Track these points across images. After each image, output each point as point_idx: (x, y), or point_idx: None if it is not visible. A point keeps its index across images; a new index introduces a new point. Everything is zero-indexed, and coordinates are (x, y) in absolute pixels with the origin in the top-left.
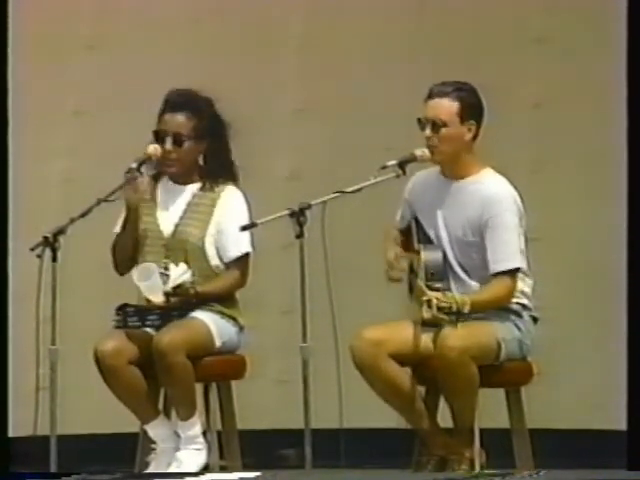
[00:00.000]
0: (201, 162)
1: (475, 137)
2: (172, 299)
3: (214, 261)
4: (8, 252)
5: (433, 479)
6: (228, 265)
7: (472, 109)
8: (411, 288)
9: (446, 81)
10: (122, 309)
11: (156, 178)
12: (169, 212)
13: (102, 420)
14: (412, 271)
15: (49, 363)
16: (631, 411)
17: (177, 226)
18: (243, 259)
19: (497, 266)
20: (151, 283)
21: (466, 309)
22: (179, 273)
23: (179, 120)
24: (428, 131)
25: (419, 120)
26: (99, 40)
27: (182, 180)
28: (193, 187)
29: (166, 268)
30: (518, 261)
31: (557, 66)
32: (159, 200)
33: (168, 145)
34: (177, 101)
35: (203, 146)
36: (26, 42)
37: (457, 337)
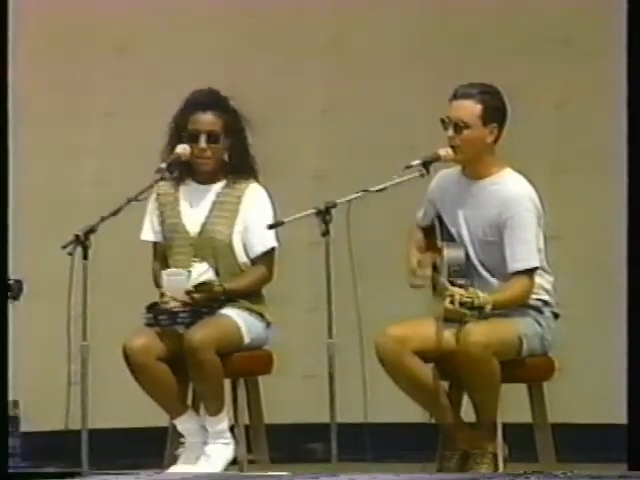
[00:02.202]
0: (226, 159)
1: (497, 139)
2: (195, 296)
3: (241, 257)
4: (8, 252)
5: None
6: (254, 261)
7: (495, 112)
8: (435, 285)
9: (472, 83)
10: (152, 307)
11: (180, 179)
12: (195, 212)
13: (132, 414)
14: (435, 269)
15: (80, 359)
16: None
17: (204, 225)
18: (269, 254)
19: (516, 265)
20: (173, 282)
21: (488, 308)
22: (200, 272)
23: (211, 118)
24: (451, 131)
25: (442, 120)
26: (129, 42)
27: (206, 179)
28: (217, 186)
29: (190, 267)
30: (536, 260)
31: (579, 67)
32: (183, 201)
33: (202, 143)
34: (204, 101)
35: (229, 143)
36: (59, 44)
37: (479, 333)
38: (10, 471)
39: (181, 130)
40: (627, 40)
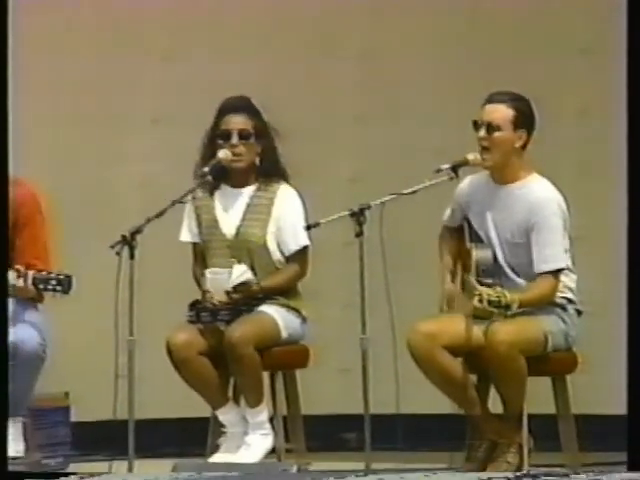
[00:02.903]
0: (257, 162)
1: (525, 145)
2: (234, 296)
3: (276, 256)
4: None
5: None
6: (288, 259)
7: (525, 119)
8: (464, 284)
9: (504, 90)
10: (195, 305)
11: (215, 184)
12: (229, 215)
13: (176, 406)
14: (464, 269)
15: (127, 353)
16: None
17: (239, 227)
18: (302, 252)
19: (543, 266)
20: (215, 280)
21: (515, 306)
22: (238, 273)
23: (242, 119)
24: (482, 132)
25: (475, 122)
26: (174, 52)
27: (239, 183)
28: (249, 189)
29: (229, 267)
30: (562, 261)
31: (600, 75)
32: (218, 205)
33: (234, 140)
34: (236, 104)
35: (260, 146)
36: (108, 54)
37: (506, 332)
38: (10, 470)
39: (215, 133)
40: (627, 42)
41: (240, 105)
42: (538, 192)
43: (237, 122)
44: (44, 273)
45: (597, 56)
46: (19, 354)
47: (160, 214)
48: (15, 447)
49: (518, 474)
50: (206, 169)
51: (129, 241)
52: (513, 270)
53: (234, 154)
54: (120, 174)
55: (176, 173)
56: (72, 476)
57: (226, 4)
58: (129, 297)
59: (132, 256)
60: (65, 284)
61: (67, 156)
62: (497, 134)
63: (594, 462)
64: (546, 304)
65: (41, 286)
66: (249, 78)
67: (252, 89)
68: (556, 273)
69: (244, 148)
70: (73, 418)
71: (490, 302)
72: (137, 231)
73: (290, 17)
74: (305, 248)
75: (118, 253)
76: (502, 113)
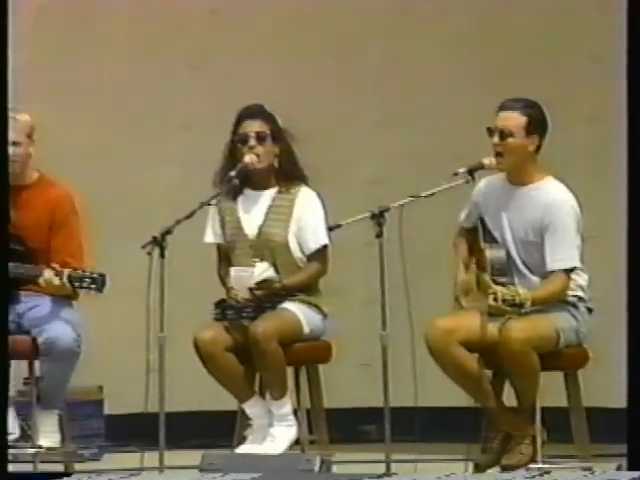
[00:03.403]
0: (276, 165)
1: (538, 149)
2: (257, 293)
3: (297, 255)
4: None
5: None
6: (309, 257)
7: (537, 124)
8: (478, 283)
9: (517, 97)
10: (220, 303)
11: (239, 189)
12: (252, 216)
13: (204, 399)
14: (479, 268)
15: (158, 348)
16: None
17: (261, 228)
18: (322, 251)
19: (556, 264)
20: (239, 278)
21: (528, 304)
22: (260, 271)
23: (258, 123)
24: (496, 139)
25: (489, 129)
26: (204, 60)
27: (260, 186)
28: (270, 192)
29: (252, 266)
30: (575, 260)
31: (610, 82)
32: (241, 207)
33: (252, 142)
34: (252, 110)
35: (277, 149)
36: (141, 62)
37: (520, 329)
38: (10, 471)
39: (235, 138)
40: (627, 48)
41: (255, 111)
42: (552, 194)
43: (254, 126)
44: (79, 271)
45: (607, 64)
46: (55, 350)
47: (189, 216)
48: (51, 438)
49: (530, 474)
50: (233, 173)
51: (160, 242)
52: (527, 268)
53: (253, 155)
54: (151, 178)
55: (204, 177)
56: (72, 476)
57: (252, 14)
58: (160, 295)
59: (162, 256)
60: (99, 282)
61: (102, 159)
62: (510, 140)
63: (604, 453)
64: (558, 302)
65: (76, 284)
66: (275, 84)
67: (277, 95)
68: (568, 272)
69: (262, 149)
70: (106, 411)
71: (504, 301)
72: (167, 232)
73: (313, 26)
74: (325, 247)
75: (149, 253)
76: (515, 120)
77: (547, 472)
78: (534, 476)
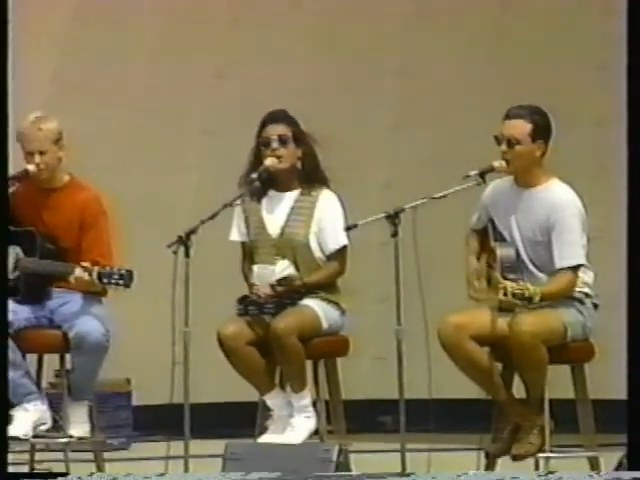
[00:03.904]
0: (299, 167)
1: (544, 153)
2: (278, 289)
3: (317, 254)
4: (8, 253)
5: None
6: (329, 257)
7: (542, 131)
8: (489, 280)
9: (522, 104)
10: (243, 300)
11: (262, 189)
12: (275, 216)
13: (227, 391)
14: (490, 266)
15: (183, 342)
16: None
17: (283, 228)
18: (342, 251)
19: (563, 262)
20: (262, 274)
21: (537, 299)
22: (281, 269)
23: (281, 127)
24: (504, 147)
25: (496, 137)
26: (225, 69)
27: (284, 187)
28: (293, 193)
29: (273, 264)
30: (581, 258)
31: (614, 90)
32: (265, 207)
33: (275, 145)
34: (276, 115)
35: (300, 152)
36: (167, 71)
37: (528, 323)
38: (10, 471)
39: (259, 142)
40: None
41: (278, 116)
42: (558, 195)
43: (276, 129)
44: (108, 269)
45: (611, 72)
46: (85, 344)
47: (212, 216)
48: (82, 429)
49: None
50: (254, 175)
51: (184, 241)
52: (535, 266)
53: (275, 157)
54: (177, 181)
55: (226, 180)
56: (72, 476)
57: (271, 23)
58: (184, 292)
59: (187, 255)
60: (127, 278)
61: (130, 164)
62: (518, 147)
63: (609, 443)
64: (565, 297)
65: (105, 280)
66: (293, 91)
67: (296, 101)
68: (575, 269)
69: (284, 151)
70: (134, 402)
71: (514, 295)
72: (192, 232)
73: (331, 34)
74: (344, 248)
75: (175, 252)
76: (521, 128)
77: (552, 472)
78: (541, 476)
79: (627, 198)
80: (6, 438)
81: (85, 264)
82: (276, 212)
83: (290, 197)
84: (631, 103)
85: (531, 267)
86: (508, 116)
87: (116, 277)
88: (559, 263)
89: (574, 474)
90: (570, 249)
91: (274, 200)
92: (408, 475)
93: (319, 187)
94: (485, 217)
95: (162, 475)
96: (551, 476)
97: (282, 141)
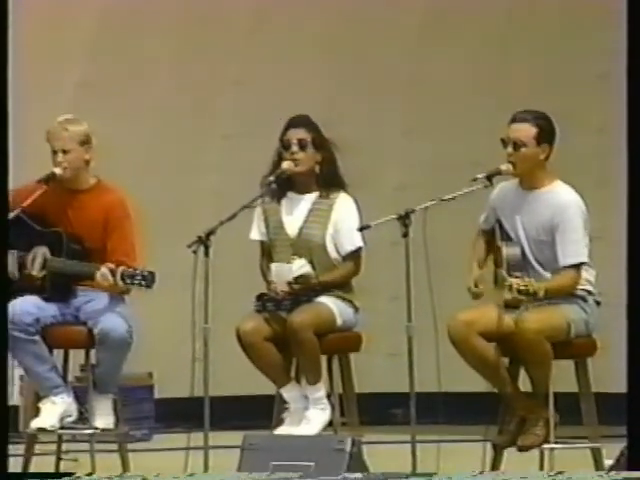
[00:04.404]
0: (317, 170)
1: (548, 157)
2: (295, 286)
3: (333, 254)
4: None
5: None
6: (344, 258)
7: (547, 134)
8: (496, 278)
9: (527, 109)
10: (261, 297)
11: (281, 191)
12: (293, 217)
13: (245, 384)
14: (496, 264)
15: (202, 338)
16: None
17: (301, 229)
18: (357, 252)
19: (566, 260)
20: (279, 272)
21: (541, 293)
22: (298, 267)
23: (301, 131)
24: (510, 149)
25: (502, 140)
26: (245, 76)
27: (303, 190)
28: (312, 196)
29: (290, 263)
30: (584, 256)
31: (617, 98)
32: (284, 208)
33: (294, 149)
34: (297, 120)
35: (319, 156)
36: (187, 79)
37: (534, 320)
38: (10, 471)
39: (280, 145)
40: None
41: (300, 121)
42: (562, 196)
43: (296, 133)
44: (131, 269)
45: (613, 81)
46: (109, 340)
47: (231, 217)
48: (106, 420)
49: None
50: (271, 178)
51: (204, 241)
52: (539, 264)
53: (293, 160)
54: (197, 183)
55: (244, 182)
56: (72, 476)
57: (289, 32)
58: (204, 290)
59: (207, 254)
60: (149, 279)
61: (153, 167)
62: (523, 150)
63: (611, 435)
64: (569, 294)
65: (128, 281)
66: (309, 98)
67: (312, 108)
68: (578, 266)
69: (302, 155)
70: (156, 395)
71: (519, 291)
72: (211, 232)
73: (347, 44)
74: (359, 249)
75: (195, 252)
76: (526, 131)
77: (560, 472)
78: (550, 475)
79: (627, 201)
80: (6, 438)
81: (110, 265)
82: (295, 213)
83: (308, 199)
84: (631, 110)
85: (536, 265)
86: (514, 120)
87: (139, 278)
88: (563, 261)
89: (582, 474)
90: (573, 247)
91: (293, 202)
92: (430, 475)
93: (337, 190)
94: (493, 218)
95: (191, 475)
96: (560, 476)
97: (301, 145)
